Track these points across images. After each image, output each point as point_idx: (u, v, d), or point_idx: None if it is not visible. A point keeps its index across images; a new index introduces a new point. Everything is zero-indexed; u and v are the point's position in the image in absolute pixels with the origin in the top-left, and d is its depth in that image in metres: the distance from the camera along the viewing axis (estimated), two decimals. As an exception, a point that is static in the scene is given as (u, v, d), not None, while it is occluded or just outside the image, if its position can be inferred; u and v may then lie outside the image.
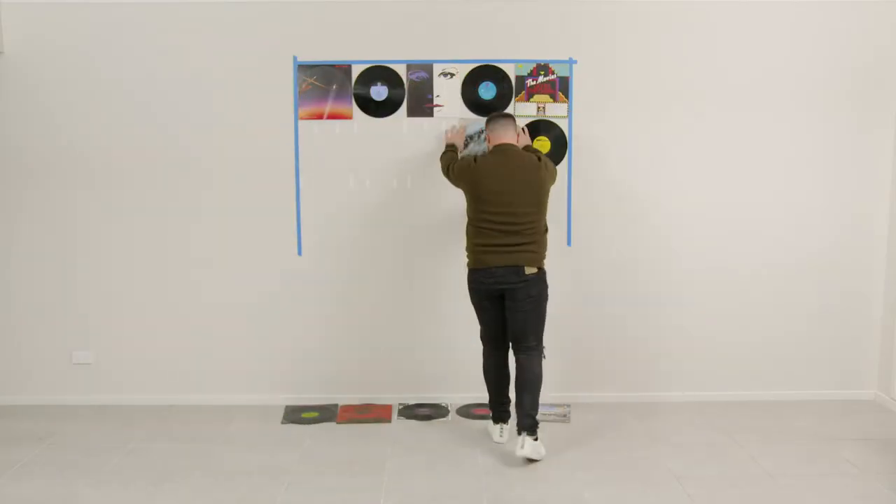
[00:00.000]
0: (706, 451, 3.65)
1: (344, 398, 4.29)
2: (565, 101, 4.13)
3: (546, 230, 3.63)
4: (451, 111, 4.12)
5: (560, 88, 4.12)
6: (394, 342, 4.28)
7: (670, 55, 4.12)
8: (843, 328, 4.34)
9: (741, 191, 4.21)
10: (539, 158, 3.65)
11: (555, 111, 4.13)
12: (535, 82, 4.12)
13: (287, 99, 4.10)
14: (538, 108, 4.13)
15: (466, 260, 3.67)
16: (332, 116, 4.12)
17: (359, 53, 4.09)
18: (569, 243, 4.22)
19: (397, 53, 4.09)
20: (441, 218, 4.17)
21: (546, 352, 3.67)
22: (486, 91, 4.12)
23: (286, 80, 4.09)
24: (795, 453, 3.62)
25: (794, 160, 4.21)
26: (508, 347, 3.72)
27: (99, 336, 4.26)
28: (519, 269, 3.48)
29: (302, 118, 4.11)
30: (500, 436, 3.76)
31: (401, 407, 4.20)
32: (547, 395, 4.29)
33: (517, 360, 3.63)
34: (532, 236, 3.53)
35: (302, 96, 4.10)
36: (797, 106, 4.17)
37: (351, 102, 4.11)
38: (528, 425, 3.50)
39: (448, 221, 4.13)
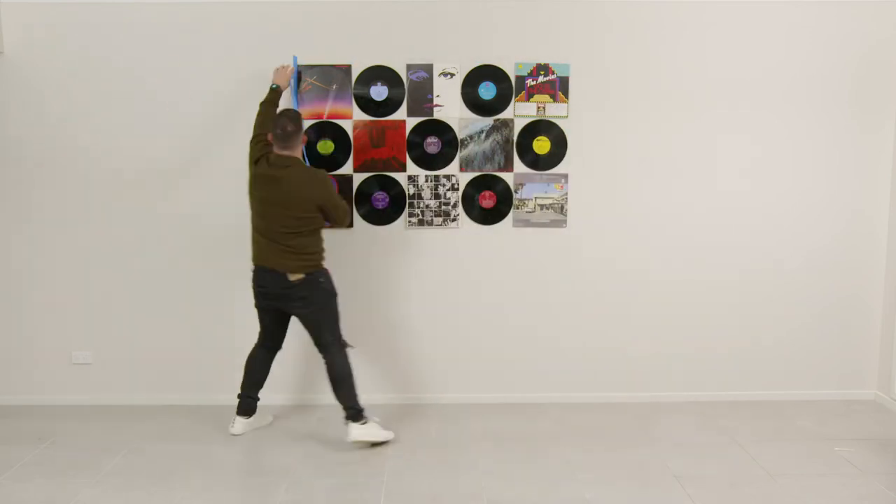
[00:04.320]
0: (706, 451, 3.65)
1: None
2: (565, 101, 4.13)
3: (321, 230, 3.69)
4: (451, 111, 4.12)
5: (560, 88, 4.12)
6: (392, 342, 4.29)
7: (671, 56, 4.12)
8: (843, 328, 4.34)
9: (741, 191, 4.22)
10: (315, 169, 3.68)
11: (555, 111, 4.13)
12: (535, 82, 4.12)
13: (287, 99, 4.10)
14: (538, 108, 4.13)
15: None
16: (332, 116, 4.12)
17: (359, 53, 4.09)
18: (568, 243, 4.22)
19: (397, 53, 4.09)
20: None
21: (352, 342, 3.80)
22: (486, 91, 4.12)
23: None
24: (795, 453, 3.63)
25: (794, 161, 4.21)
26: (277, 350, 3.91)
27: (99, 336, 4.26)
28: (284, 276, 3.61)
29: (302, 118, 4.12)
30: (232, 426, 3.86)
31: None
32: (548, 394, 4.31)
33: (324, 359, 3.74)
34: (299, 246, 3.58)
35: (302, 96, 4.10)
36: (797, 107, 4.17)
37: (351, 102, 4.12)
38: (351, 416, 3.67)
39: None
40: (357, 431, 3.64)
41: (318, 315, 3.68)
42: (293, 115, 3.62)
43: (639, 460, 3.54)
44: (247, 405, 3.86)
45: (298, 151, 3.65)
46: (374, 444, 3.68)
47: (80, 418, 4.08)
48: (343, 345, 3.74)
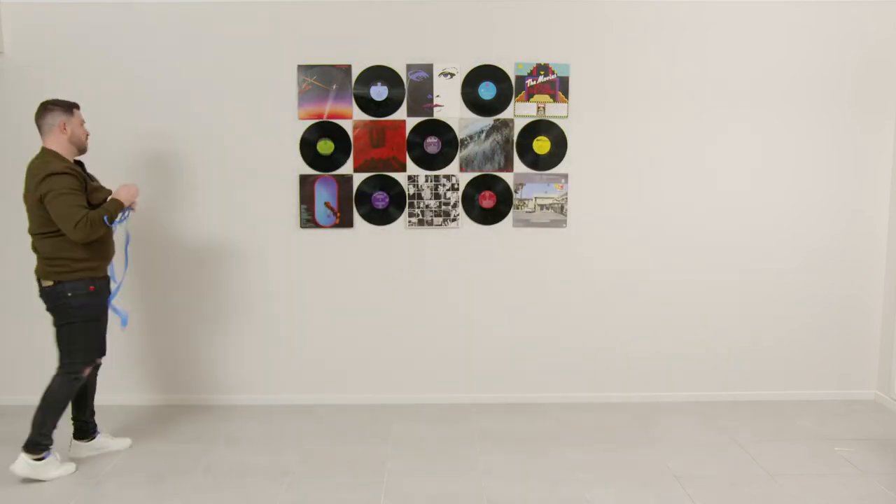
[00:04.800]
0: (706, 451, 3.65)
1: (346, 397, 4.30)
2: (565, 102, 4.13)
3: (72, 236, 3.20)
4: (451, 111, 4.12)
5: (560, 88, 4.12)
6: (391, 342, 4.29)
7: (671, 56, 4.12)
8: (843, 328, 4.34)
9: (741, 191, 4.22)
10: (49, 171, 3.16)
11: (555, 111, 4.14)
12: (535, 82, 4.12)
13: (289, 99, 4.10)
14: (538, 108, 4.13)
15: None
16: (332, 116, 4.12)
17: (359, 53, 4.09)
18: (568, 243, 4.22)
19: (397, 53, 4.09)
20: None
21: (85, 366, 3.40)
22: (486, 91, 4.12)
23: (288, 80, 4.09)
24: (795, 453, 3.63)
25: (794, 161, 4.21)
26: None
27: (99, 336, 4.26)
28: (39, 280, 3.31)
29: (301, 118, 4.12)
30: (69, 450, 3.59)
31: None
32: (548, 394, 4.31)
33: None
34: (43, 249, 3.26)
35: (302, 96, 4.10)
36: (797, 107, 4.17)
37: (351, 102, 4.11)
38: (28, 445, 3.31)
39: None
40: (21, 464, 3.28)
41: (58, 332, 3.33)
42: (51, 104, 3.28)
43: (639, 460, 3.54)
44: (77, 427, 3.60)
45: (52, 142, 3.26)
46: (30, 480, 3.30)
47: (80, 418, 4.07)
48: (73, 374, 3.33)
